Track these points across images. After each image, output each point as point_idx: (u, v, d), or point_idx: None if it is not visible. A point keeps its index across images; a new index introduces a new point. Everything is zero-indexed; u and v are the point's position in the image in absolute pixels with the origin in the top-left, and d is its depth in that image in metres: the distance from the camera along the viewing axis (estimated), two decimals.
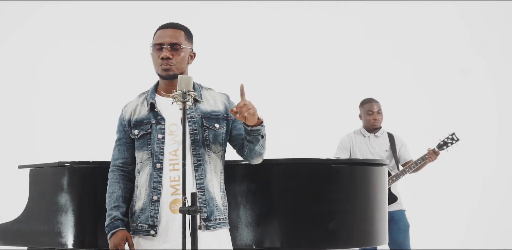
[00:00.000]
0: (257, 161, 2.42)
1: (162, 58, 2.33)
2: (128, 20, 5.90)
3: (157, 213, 2.29)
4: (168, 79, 2.37)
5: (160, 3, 5.95)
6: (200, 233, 2.22)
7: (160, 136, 2.32)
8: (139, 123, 2.37)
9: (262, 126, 2.26)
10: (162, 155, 2.31)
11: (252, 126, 2.23)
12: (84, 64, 5.89)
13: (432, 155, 4.17)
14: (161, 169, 2.30)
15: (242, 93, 2.17)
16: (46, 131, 5.80)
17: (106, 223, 2.36)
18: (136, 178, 2.40)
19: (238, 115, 2.15)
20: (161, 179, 2.30)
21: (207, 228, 2.30)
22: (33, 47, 5.88)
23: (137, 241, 2.33)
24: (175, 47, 2.35)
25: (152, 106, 2.37)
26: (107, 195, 2.42)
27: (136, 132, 2.36)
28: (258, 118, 2.22)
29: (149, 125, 2.35)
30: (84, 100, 5.81)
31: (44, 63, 5.92)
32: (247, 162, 2.48)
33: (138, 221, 2.32)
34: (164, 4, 5.93)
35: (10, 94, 5.86)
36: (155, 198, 2.29)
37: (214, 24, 5.95)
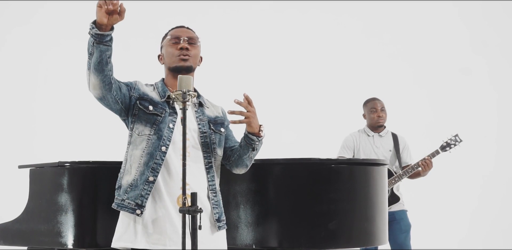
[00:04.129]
0: (239, 170, 2.45)
1: (181, 48, 2.38)
2: (127, 20, 5.88)
3: (149, 194, 2.24)
4: (183, 71, 2.35)
5: (160, 4, 5.95)
6: (213, 233, 2.30)
7: (171, 125, 2.32)
8: (154, 104, 2.34)
9: (258, 139, 2.30)
10: (170, 141, 2.29)
11: (249, 133, 2.28)
12: (84, 64, 5.87)
13: (423, 164, 4.13)
14: (165, 153, 2.27)
15: (249, 101, 2.22)
16: (46, 131, 5.79)
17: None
18: (126, 149, 2.35)
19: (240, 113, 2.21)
20: (162, 162, 2.26)
21: (219, 228, 2.33)
22: (33, 47, 5.87)
23: (147, 220, 2.24)
24: (191, 41, 2.42)
25: (169, 98, 2.37)
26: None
27: (150, 107, 2.32)
28: (261, 131, 2.28)
29: (163, 111, 2.33)
30: (84, 100, 5.79)
31: (44, 63, 5.92)
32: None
33: (126, 197, 2.26)
34: (164, 4, 5.93)
35: (10, 94, 5.86)
36: (151, 179, 2.25)
37: (214, 24, 5.95)
